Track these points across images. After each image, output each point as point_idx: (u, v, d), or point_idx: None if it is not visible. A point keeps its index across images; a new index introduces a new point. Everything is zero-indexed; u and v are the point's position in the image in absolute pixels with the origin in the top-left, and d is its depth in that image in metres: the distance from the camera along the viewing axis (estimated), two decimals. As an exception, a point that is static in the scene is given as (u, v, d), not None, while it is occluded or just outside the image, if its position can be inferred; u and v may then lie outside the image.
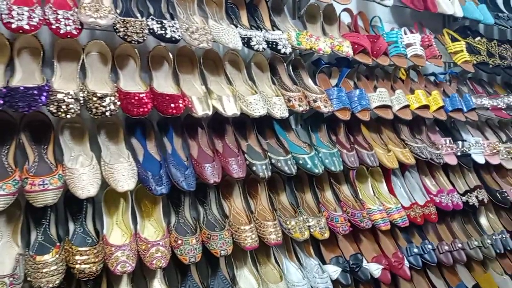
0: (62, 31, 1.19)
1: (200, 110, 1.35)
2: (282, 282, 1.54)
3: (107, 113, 1.21)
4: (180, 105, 1.30)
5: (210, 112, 1.36)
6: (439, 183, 2.07)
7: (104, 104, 1.21)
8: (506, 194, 2.17)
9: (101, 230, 1.32)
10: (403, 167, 1.99)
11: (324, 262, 1.71)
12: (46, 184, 1.13)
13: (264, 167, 1.48)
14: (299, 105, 1.55)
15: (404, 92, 1.91)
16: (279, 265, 1.62)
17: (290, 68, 1.71)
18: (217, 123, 1.58)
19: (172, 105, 1.29)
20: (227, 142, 1.56)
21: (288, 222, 1.54)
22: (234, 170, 1.42)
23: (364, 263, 1.73)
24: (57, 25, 1.19)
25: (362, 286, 1.84)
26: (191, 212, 1.50)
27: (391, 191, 1.91)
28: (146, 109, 1.25)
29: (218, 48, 1.64)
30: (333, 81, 1.84)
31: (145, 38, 1.27)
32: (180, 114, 1.33)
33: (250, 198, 1.62)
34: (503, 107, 2.19)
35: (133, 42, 1.25)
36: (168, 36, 1.29)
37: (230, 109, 1.41)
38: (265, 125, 1.68)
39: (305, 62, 1.77)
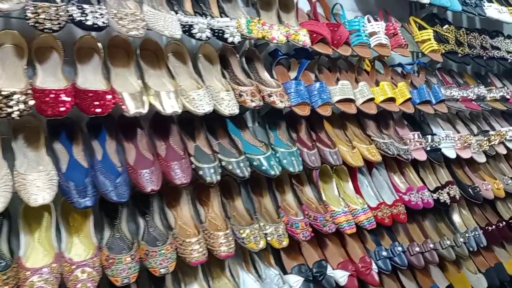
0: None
1: (133, 108, 1.18)
2: (236, 297, 1.39)
3: (15, 115, 1.02)
4: (107, 103, 1.13)
5: (144, 110, 1.19)
6: (408, 180, 1.95)
7: (10, 103, 1.02)
8: (478, 189, 2.08)
9: (17, 251, 1.13)
10: (370, 165, 1.87)
11: (285, 272, 1.57)
12: None
13: (212, 171, 1.32)
14: (251, 101, 1.39)
15: (368, 84, 1.77)
16: (234, 278, 1.47)
17: (243, 60, 1.55)
18: (160, 123, 1.40)
19: (96, 103, 1.11)
20: (171, 143, 1.39)
21: (242, 231, 1.39)
22: (176, 176, 1.25)
23: (329, 270, 1.59)
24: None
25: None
26: (130, 225, 1.33)
27: (357, 190, 1.78)
28: (63, 109, 1.07)
29: (162, 38, 1.46)
30: (293, 74, 1.69)
31: (61, 26, 1.09)
32: (110, 113, 1.16)
33: (200, 206, 1.46)
34: (473, 98, 2.09)
35: (46, 30, 1.06)
36: (88, 23, 1.11)
37: (170, 106, 1.24)
38: (217, 123, 1.52)
39: (261, 53, 1.62)
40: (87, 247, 1.21)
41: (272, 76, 1.62)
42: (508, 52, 2.32)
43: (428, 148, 1.92)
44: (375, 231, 1.86)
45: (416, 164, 2.02)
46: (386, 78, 1.92)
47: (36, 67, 1.19)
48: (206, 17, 1.36)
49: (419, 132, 1.92)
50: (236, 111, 1.34)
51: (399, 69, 2.09)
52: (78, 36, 1.27)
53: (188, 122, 1.47)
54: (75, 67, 1.24)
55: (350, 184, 1.79)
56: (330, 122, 1.82)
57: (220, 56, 1.52)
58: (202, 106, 1.28)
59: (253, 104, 1.39)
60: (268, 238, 1.43)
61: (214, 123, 1.51)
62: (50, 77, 1.19)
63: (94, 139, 1.27)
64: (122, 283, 1.14)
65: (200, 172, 1.31)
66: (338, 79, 1.75)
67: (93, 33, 1.30)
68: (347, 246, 1.76)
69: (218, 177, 1.32)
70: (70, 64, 1.25)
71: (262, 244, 1.39)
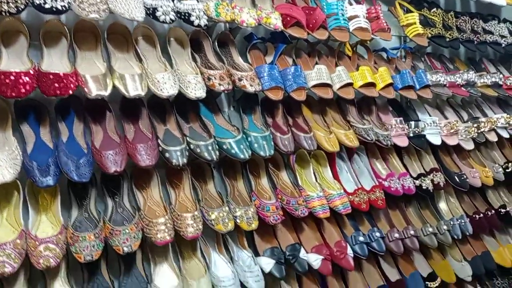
0: None
1: (94, 90, 1.19)
2: (204, 277, 1.42)
3: (-24, 96, 1.06)
4: (68, 85, 1.15)
5: (106, 93, 1.21)
6: (391, 166, 1.93)
7: (-31, 86, 1.05)
8: (464, 176, 2.04)
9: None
10: (350, 151, 1.85)
11: (258, 255, 1.59)
12: None
13: (179, 153, 1.33)
14: (220, 84, 1.40)
15: (347, 69, 1.75)
16: (205, 260, 1.50)
17: (216, 44, 1.55)
18: (130, 106, 1.42)
19: (56, 85, 1.13)
20: (140, 127, 1.41)
21: (210, 213, 1.41)
22: (141, 158, 1.28)
23: (303, 253, 1.60)
24: None
25: (306, 278, 1.74)
26: (100, 205, 1.36)
27: (335, 176, 1.77)
28: (23, 91, 1.10)
29: (133, 22, 1.47)
30: (269, 59, 1.68)
31: (20, 9, 1.11)
32: (79, 96, 1.18)
33: (171, 188, 1.48)
34: (461, 84, 2.04)
35: (3, 13, 1.08)
36: (47, 6, 1.13)
37: (134, 89, 1.26)
38: (189, 107, 1.53)
39: (235, 37, 1.61)
40: (54, 225, 1.25)
41: (247, 61, 1.62)
42: (502, 37, 2.25)
43: (411, 134, 1.90)
44: (355, 217, 1.86)
45: (400, 150, 2.00)
46: (369, 63, 1.89)
47: (1, 50, 1.21)
48: (173, 0, 1.36)
49: (401, 118, 1.89)
50: (202, 94, 1.34)
51: (385, 55, 2.05)
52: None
53: (160, 106, 1.48)
54: (42, 51, 1.26)
55: (329, 169, 1.78)
56: (309, 107, 1.81)
57: (193, 40, 1.53)
58: (166, 88, 1.29)
59: (222, 88, 1.39)
60: (238, 221, 1.45)
61: (186, 107, 1.52)
62: (16, 61, 1.22)
63: (61, 121, 1.30)
64: (85, 259, 1.18)
65: (167, 155, 1.33)
66: (316, 64, 1.74)
67: (62, 17, 1.33)
68: (324, 231, 1.76)
69: (185, 160, 1.33)
70: (38, 48, 1.28)
71: (230, 226, 1.41)
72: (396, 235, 1.81)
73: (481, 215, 2.13)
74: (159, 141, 1.36)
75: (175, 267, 1.43)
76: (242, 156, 1.43)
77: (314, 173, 1.74)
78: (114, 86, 1.25)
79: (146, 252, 1.44)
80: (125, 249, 1.23)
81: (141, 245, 1.43)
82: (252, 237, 1.63)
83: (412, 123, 1.90)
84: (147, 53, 1.43)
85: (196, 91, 1.34)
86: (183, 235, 1.34)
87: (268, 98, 1.59)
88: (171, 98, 1.44)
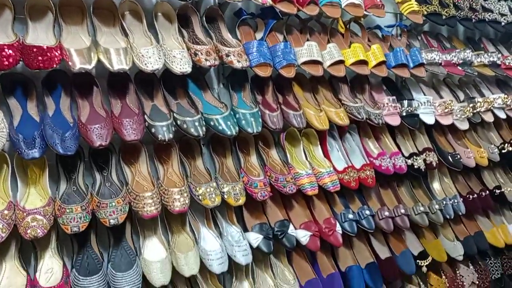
0: None
1: (78, 63, 1.20)
2: (192, 251, 1.44)
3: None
4: (52, 58, 1.16)
5: (90, 66, 1.22)
6: (383, 145, 1.93)
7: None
8: (458, 156, 2.03)
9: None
10: (342, 129, 1.85)
11: (247, 230, 1.61)
12: None
13: (165, 128, 1.34)
14: (206, 60, 1.39)
15: (338, 46, 1.74)
16: (194, 234, 1.52)
17: (204, 19, 1.54)
18: (117, 82, 1.43)
19: (40, 58, 1.14)
20: (127, 102, 1.42)
21: (198, 188, 1.42)
22: (126, 133, 1.29)
23: (291, 229, 1.62)
24: None
25: (295, 254, 1.77)
26: (88, 179, 1.39)
27: (326, 154, 1.78)
28: (6, 63, 1.11)
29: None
30: (259, 35, 1.67)
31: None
32: (65, 71, 1.19)
33: (160, 164, 1.50)
34: (457, 63, 2.01)
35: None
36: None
37: (118, 63, 1.26)
38: (178, 84, 1.54)
39: (224, 12, 1.60)
40: (43, 198, 1.27)
41: (236, 37, 1.61)
42: (502, 15, 2.20)
43: (404, 114, 1.88)
44: (346, 195, 1.87)
45: (393, 130, 1.99)
46: (362, 41, 1.87)
47: (-13, 24, 1.22)
48: (159, -26, 1.35)
49: (394, 97, 1.88)
50: (187, 69, 1.34)
51: (380, 33, 2.02)
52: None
53: (148, 82, 1.49)
54: (27, 25, 1.26)
55: (319, 148, 1.78)
56: (300, 85, 1.80)
57: (181, 15, 1.52)
58: (150, 63, 1.29)
59: (208, 63, 1.39)
60: (225, 196, 1.46)
61: (174, 83, 1.52)
62: (0, 34, 1.22)
63: (48, 96, 1.31)
64: (71, 231, 1.21)
65: (153, 130, 1.34)
66: (308, 41, 1.72)
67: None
68: (314, 208, 1.78)
69: (171, 135, 1.34)
70: (24, 22, 1.28)
71: (217, 201, 1.42)
72: (386, 213, 1.82)
73: (475, 195, 2.12)
74: (145, 116, 1.37)
75: (163, 240, 1.45)
76: (229, 133, 1.43)
77: (304, 151, 1.74)
78: (99, 60, 1.26)
79: (135, 225, 1.46)
80: (112, 221, 1.26)
81: (130, 218, 1.47)
82: (242, 213, 1.65)
83: (405, 102, 1.89)
84: (133, 27, 1.42)
85: (182, 66, 1.34)
86: (170, 209, 1.36)
87: (258, 75, 1.58)
88: (158, 73, 1.45)
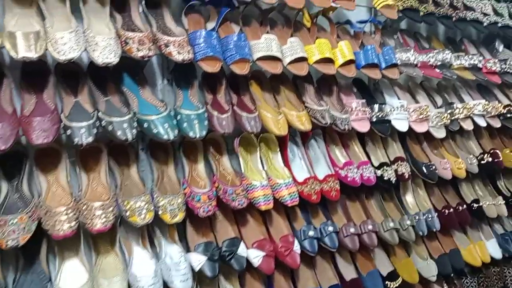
0: None
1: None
2: (118, 277, 1.22)
3: None
4: None
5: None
6: (351, 154, 1.74)
7: None
8: (434, 167, 1.85)
9: None
10: (306, 135, 1.65)
11: (190, 250, 1.40)
12: None
13: (83, 130, 1.12)
14: (138, 49, 1.17)
15: (304, 42, 1.54)
16: (124, 254, 1.30)
17: (144, 3, 1.32)
18: (34, 73, 1.20)
19: None
20: (44, 97, 1.20)
21: (126, 203, 1.21)
22: (34, 135, 1.06)
23: (242, 249, 1.42)
24: None
25: (249, 275, 1.56)
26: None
27: (286, 163, 1.58)
28: None
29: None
30: (211, 25, 1.46)
31: None
32: None
33: (84, 173, 1.27)
34: (435, 65, 1.83)
35: None
36: None
37: (25, 50, 1.03)
38: (110, 77, 1.31)
39: (169, -2, 1.39)
40: None
41: (183, 26, 1.40)
42: (485, 15, 2.03)
43: (374, 119, 1.69)
44: (309, 208, 1.67)
45: (363, 137, 1.80)
46: (330, 37, 1.67)
47: None
48: None
49: (364, 100, 1.69)
50: (112, 60, 1.12)
51: (352, 30, 1.83)
52: None
53: (73, 74, 1.26)
54: None
55: (279, 155, 1.58)
56: (259, 84, 1.60)
57: (118, -1, 1.30)
58: (64, 51, 1.06)
59: (140, 54, 1.17)
60: (159, 212, 1.25)
61: (107, 77, 1.30)
62: None
63: None
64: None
65: (68, 132, 1.12)
66: (267, 33, 1.51)
67: None
68: (271, 224, 1.58)
69: (90, 139, 1.12)
70: None
71: (147, 219, 1.21)
72: (352, 229, 1.62)
73: (451, 209, 1.95)
74: (62, 115, 1.14)
75: (86, 262, 1.23)
76: (165, 137, 1.22)
77: (261, 159, 1.54)
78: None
79: (51, 244, 1.24)
80: (10, 243, 1.04)
81: (48, 236, 1.24)
82: (185, 229, 1.44)
83: (376, 106, 1.70)
84: (55, 10, 1.19)
85: (105, 55, 1.11)
86: (89, 228, 1.14)
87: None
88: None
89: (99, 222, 1.14)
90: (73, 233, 1.11)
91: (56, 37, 1.07)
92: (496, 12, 2.06)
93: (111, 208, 1.17)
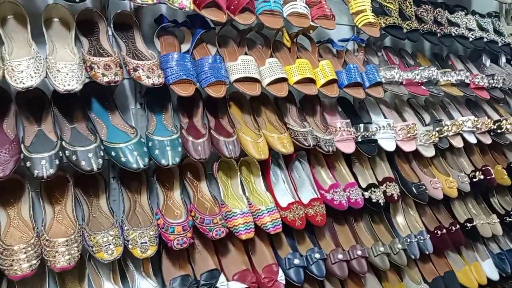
0: None
1: None
2: (85, 317, 1.13)
3: None
4: None
5: None
6: (337, 176, 1.66)
7: None
8: (424, 187, 1.79)
9: None
10: (289, 157, 1.58)
11: (165, 284, 1.31)
12: None
13: (44, 162, 1.05)
14: (103, 75, 1.11)
15: (284, 62, 1.49)
16: (94, 292, 1.21)
17: (112, 26, 1.27)
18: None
19: None
20: (3, 127, 1.13)
21: (92, 238, 1.12)
22: (-10, 168, 0.99)
23: (221, 281, 1.33)
24: None
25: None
26: None
27: (269, 187, 1.50)
28: None
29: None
30: (186, 47, 1.40)
31: None
32: None
33: (49, 204, 1.19)
34: (421, 82, 1.78)
35: None
36: None
37: (-22, 79, 0.97)
38: (77, 104, 1.25)
39: (140, 19, 1.33)
40: None
41: (156, 49, 1.34)
42: (470, 30, 2.00)
43: (360, 139, 1.63)
44: (295, 233, 1.59)
45: (350, 157, 1.74)
46: (312, 56, 1.63)
47: None
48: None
49: (348, 120, 1.63)
50: (75, 87, 1.06)
51: (335, 49, 1.79)
52: None
53: (36, 102, 1.20)
54: None
55: (261, 179, 1.51)
56: (239, 106, 1.54)
57: (84, 21, 1.25)
58: (21, 78, 1.00)
59: (105, 79, 1.11)
60: (129, 246, 1.17)
61: (73, 103, 1.24)
62: None
63: None
64: None
65: (28, 164, 1.04)
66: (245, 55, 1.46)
67: None
68: (254, 253, 1.49)
69: (52, 171, 1.04)
70: None
71: (115, 254, 1.13)
72: (340, 256, 1.54)
73: (444, 230, 1.88)
74: (22, 145, 1.07)
75: (50, 303, 1.14)
76: (134, 166, 1.15)
77: (242, 184, 1.47)
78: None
79: (11, 282, 1.15)
80: (-41, 287, 0.95)
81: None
82: (160, 261, 1.35)
83: (361, 126, 1.64)
84: (15, 35, 1.14)
85: (67, 82, 1.05)
86: (51, 266, 1.06)
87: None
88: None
89: (62, 259, 1.06)
90: (34, 272, 1.03)
91: (13, 64, 1.01)
92: (481, 27, 2.03)
93: (75, 244, 1.09)
